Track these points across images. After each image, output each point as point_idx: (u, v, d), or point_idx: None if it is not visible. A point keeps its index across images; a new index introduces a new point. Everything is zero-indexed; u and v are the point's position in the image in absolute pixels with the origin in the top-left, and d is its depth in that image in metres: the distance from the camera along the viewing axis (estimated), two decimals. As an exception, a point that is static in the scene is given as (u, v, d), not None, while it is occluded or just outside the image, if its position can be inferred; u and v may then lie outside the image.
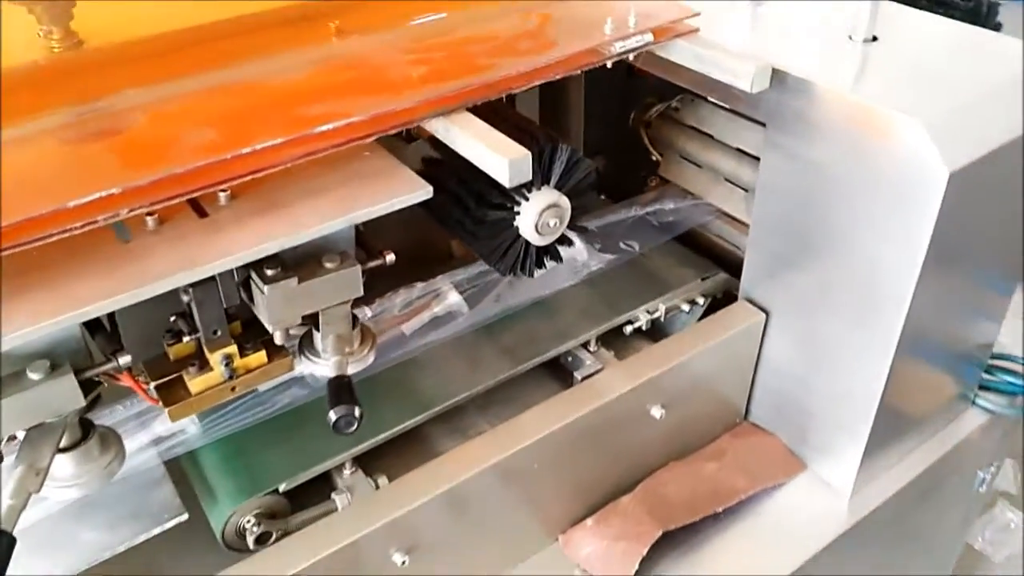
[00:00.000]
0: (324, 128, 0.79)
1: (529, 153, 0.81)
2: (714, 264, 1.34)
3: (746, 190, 1.28)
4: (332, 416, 0.77)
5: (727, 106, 1.19)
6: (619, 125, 1.44)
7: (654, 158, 1.43)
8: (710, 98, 1.17)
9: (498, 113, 1.06)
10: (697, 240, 1.40)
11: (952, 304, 1.10)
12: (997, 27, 1.78)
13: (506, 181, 0.81)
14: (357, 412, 0.78)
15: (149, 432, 0.97)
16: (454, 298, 1.20)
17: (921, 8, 1.53)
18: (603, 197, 1.46)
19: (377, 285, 1.13)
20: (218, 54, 0.94)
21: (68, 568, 0.86)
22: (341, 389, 0.80)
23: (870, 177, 0.97)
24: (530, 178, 0.83)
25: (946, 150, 0.90)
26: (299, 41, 0.98)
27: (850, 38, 1.08)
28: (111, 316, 0.87)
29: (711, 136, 1.31)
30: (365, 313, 1.14)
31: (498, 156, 0.81)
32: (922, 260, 0.95)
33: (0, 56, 0.79)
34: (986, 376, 1.35)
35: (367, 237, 1.02)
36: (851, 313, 1.06)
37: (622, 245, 1.33)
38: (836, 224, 1.03)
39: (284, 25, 1.01)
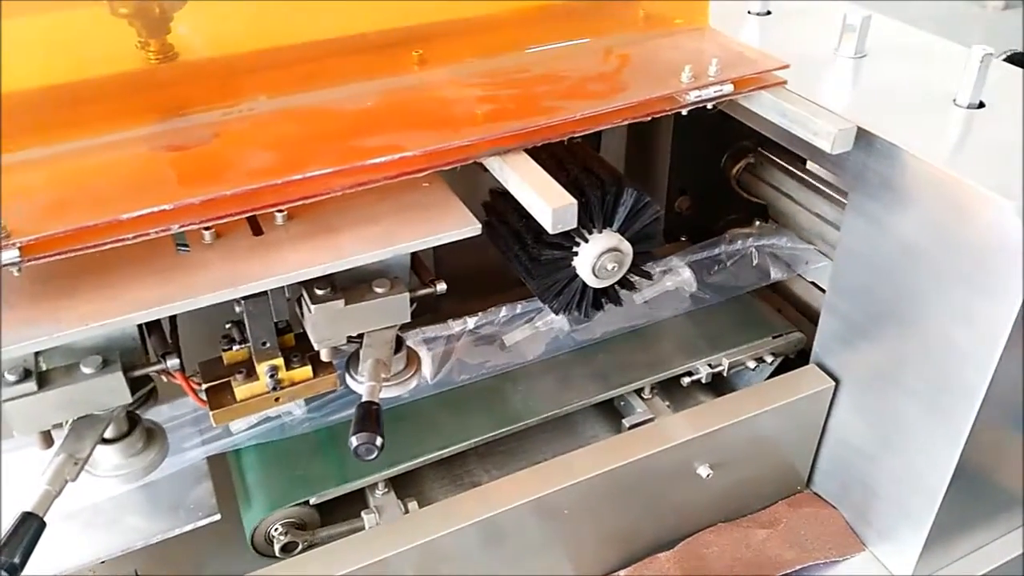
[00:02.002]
0: (378, 160, 0.80)
1: (575, 202, 0.80)
2: (791, 323, 1.28)
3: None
4: (353, 442, 0.78)
5: (807, 168, 1.14)
6: (708, 166, 1.40)
7: (758, 201, 1.39)
8: (798, 152, 1.12)
9: (570, 150, 1.05)
10: (791, 288, 1.36)
11: (1041, 396, 1.02)
12: None
13: (549, 228, 0.81)
14: (378, 442, 0.79)
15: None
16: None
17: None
18: (683, 239, 1.42)
19: (486, 297, 1.19)
20: (299, 76, 0.97)
21: (108, 550, 0.91)
22: (367, 416, 0.81)
23: (954, 256, 0.90)
24: (575, 226, 0.82)
25: (1038, 235, 0.83)
26: (379, 68, 1.00)
27: (954, 102, 1.01)
28: (171, 318, 0.92)
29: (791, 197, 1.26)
30: (467, 324, 1.17)
31: (543, 202, 0.80)
32: (1001, 349, 0.88)
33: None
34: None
35: (452, 257, 1.02)
36: (923, 394, 0.99)
37: (729, 280, 1.30)
38: (914, 299, 0.97)
39: (368, 51, 1.03)
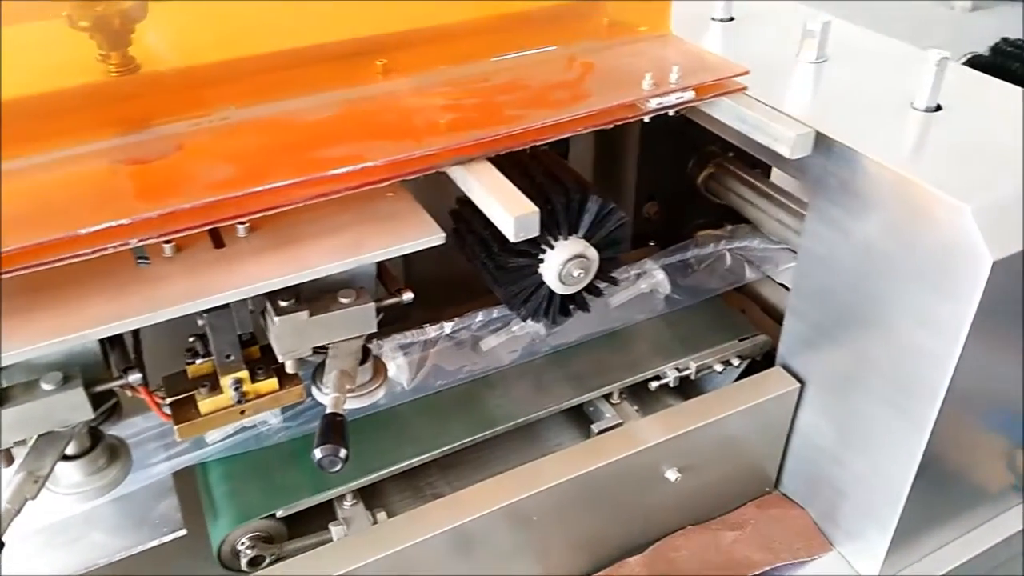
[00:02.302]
0: (339, 171, 0.80)
1: (536, 210, 0.80)
2: (756, 325, 1.29)
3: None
4: (316, 454, 0.78)
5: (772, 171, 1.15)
6: (675, 170, 1.41)
7: (726, 205, 1.40)
8: (760, 157, 1.13)
9: (536, 158, 1.06)
10: (758, 290, 1.37)
11: (1001, 394, 1.03)
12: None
13: (512, 236, 0.81)
14: (342, 454, 0.78)
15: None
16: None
17: (1014, 71, 1.46)
18: (652, 244, 1.43)
19: (461, 304, 1.19)
20: (263, 87, 0.97)
21: (71, 567, 0.90)
22: (331, 428, 0.81)
23: (912, 257, 0.92)
24: (537, 234, 0.82)
25: (993, 237, 0.84)
26: (343, 78, 1.00)
27: (912, 106, 1.03)
28: (134, 332, 0.91)
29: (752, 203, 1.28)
30: (443, 329, 1.17)
31: (505, 211, 0.80)
32: (960, 349, 0.89)
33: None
34: (1047, 469, 1.25)
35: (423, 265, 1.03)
36: (885, 395, 1.01)
37: (703, 282, 1.32)
38: (875, 301, 0.98)
39: (332, 61, 1.03)
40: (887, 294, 0.96)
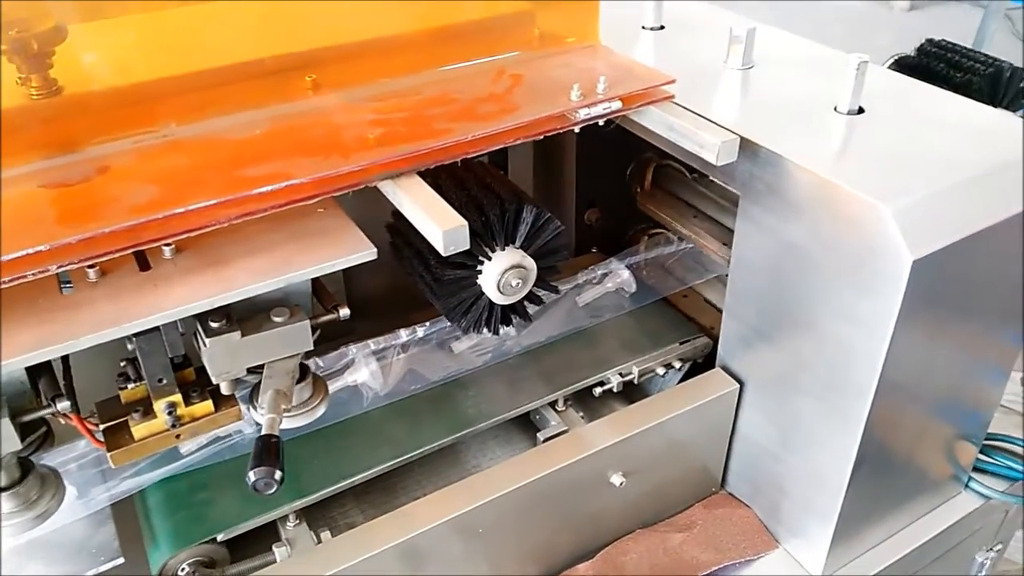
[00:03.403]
0: (265, 189, 0.80)
1: (465, 224, 0.81)
2: (698, 327, 1.31)
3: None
4: (251, 476, 0.77)
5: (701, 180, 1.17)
6: (614, 178, 1.43)
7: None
8: (690, 163, 1.14)
9: (471, 170, 1.06)
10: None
11: (931, 388, 1.06)
12: (1021, 92, 1.71)
13: (442, 250, 0.81)
14: (277, 475, 0.78)
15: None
16: None
17: (939, 71, 1.50)
18: (595, 250, 1.45)
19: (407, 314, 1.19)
20: (190, 106, 0.96)
21: (5, 602, 0.88)
22: (266, 449, 0.80)
23: (837, 258, 0.94)
24: (467, 247, 0.82)
25: (913, 237, 0.87)
26: (272, 95, 0.99)
27: (835, 109, 1.05)
28: (63, 358, 0.90)
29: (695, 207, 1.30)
30: (416, 332, 1.17)
31: (434, 225, 0.80)
32: (887, 347, 0.91)
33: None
34: (982, 458, 1.29)
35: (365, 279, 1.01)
36: (820, 393, 1.03)
37: (662, 281, 1.34)
38: (806, 302, 1.00)
39: (261, 77, 1.02)
40: (815, 294, 0.98)
